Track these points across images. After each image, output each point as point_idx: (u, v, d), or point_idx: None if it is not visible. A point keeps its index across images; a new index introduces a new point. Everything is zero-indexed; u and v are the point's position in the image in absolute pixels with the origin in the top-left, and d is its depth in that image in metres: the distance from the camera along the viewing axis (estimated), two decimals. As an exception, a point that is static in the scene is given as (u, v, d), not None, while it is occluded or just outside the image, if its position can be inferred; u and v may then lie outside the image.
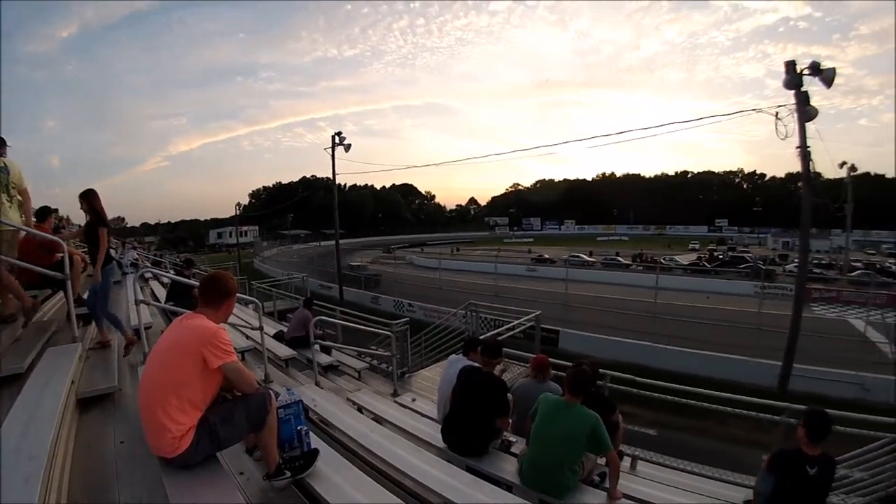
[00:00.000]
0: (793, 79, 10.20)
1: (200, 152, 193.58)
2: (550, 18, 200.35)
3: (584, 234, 77.86)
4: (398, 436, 3.48)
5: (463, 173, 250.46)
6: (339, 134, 23.54)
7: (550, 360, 4.51)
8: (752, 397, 4.41)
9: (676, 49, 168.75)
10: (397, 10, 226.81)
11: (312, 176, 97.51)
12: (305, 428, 2.71)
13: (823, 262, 37.71)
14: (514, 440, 3.71)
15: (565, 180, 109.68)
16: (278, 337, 7.81)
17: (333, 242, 28.09)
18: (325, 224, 54.48)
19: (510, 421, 3.79)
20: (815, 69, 9.67)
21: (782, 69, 10.36)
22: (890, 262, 38.47)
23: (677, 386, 4.67)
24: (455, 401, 3.61)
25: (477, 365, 3.74)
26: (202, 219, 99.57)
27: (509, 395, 3.64)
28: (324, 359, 6.83)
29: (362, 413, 4.13)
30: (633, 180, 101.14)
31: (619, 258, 37.53)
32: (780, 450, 3.03)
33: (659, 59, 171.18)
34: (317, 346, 5.76)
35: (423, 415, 4.57)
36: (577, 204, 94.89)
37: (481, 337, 6.16)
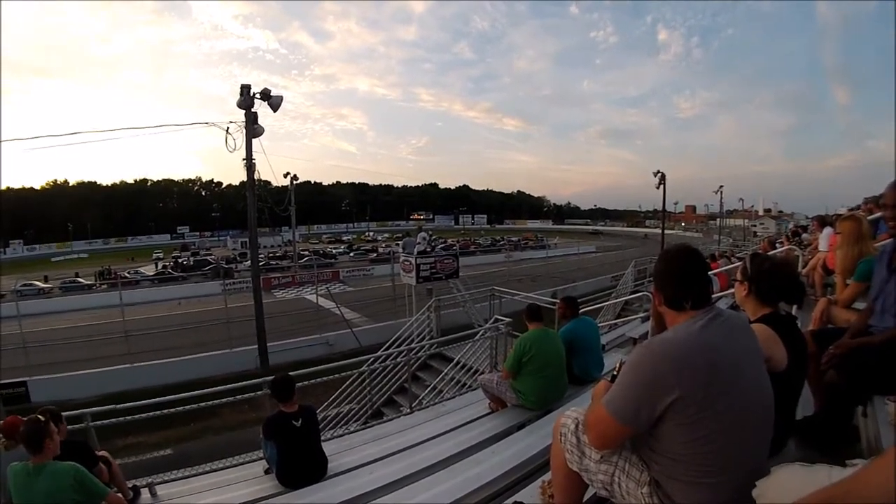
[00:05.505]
0: (246, 100, 11.68)
1: None
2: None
3: (37, 256, 64.03)
4: None
5: None
6: None
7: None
8: (238, 382, 4.65)
9: (147, 51, 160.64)
10: None
11: None
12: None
13: (278, 254, 46.64)
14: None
15: (8, 189, 76.99)
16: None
17: None
18: None
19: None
20: (266, 95, 11.50)
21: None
22: (329, 248, 52.77)
23: (163, 399, 4.37)
24: None
25: None
26: None
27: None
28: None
29: None
30: (89, 189, 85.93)
31: (81, 279, 34.04)
32: (267, 418, 3.49)
33: (129, 58, 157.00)
34: None
35: None
36: (23, 219, 69.95)
37: None
